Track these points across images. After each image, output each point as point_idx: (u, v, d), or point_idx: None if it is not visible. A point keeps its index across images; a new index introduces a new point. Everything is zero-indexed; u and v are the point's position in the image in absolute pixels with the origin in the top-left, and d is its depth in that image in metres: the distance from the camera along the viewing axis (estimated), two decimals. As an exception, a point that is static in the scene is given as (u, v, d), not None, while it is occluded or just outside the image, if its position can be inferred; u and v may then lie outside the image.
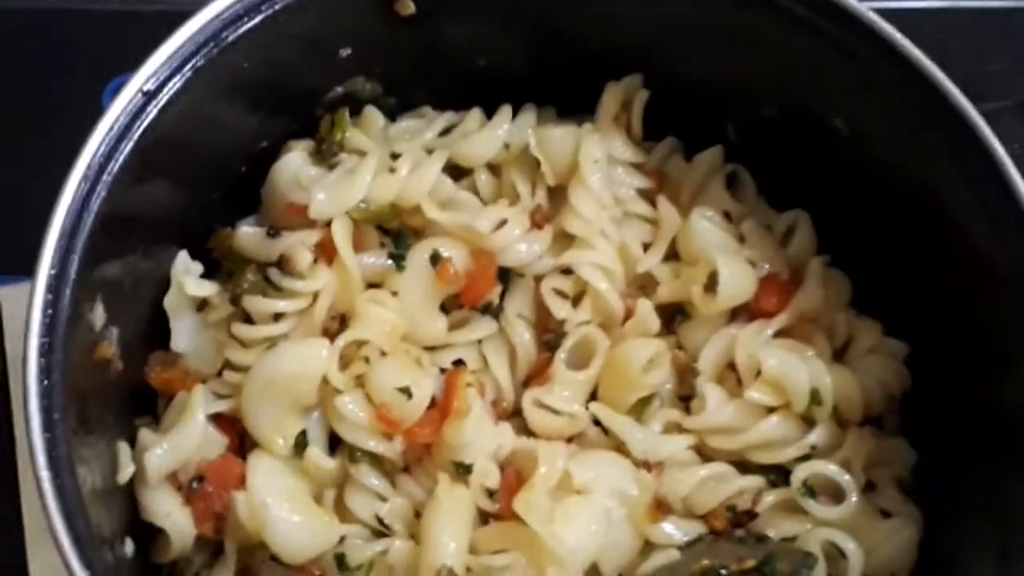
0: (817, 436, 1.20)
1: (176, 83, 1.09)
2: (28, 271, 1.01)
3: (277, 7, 1.13)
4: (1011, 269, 1.05)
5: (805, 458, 1.20)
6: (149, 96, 1.07)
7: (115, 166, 1.05)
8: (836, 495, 1.19)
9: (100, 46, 1.66)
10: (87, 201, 1.03)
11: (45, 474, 0.94)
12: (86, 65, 1.63)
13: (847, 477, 1.18)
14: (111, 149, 1.05)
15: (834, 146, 1.23)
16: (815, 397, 1.19)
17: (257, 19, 1.12)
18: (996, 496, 1.06)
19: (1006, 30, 1.76)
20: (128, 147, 1.05)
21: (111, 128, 1.05)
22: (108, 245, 1.06)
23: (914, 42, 1.12)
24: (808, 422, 1.22)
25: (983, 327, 1.11)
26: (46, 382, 0.97)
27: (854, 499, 1.17)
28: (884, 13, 1.13)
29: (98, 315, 1.08)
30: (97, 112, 1.06)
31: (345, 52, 1.24)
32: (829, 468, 1.18)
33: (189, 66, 1.09)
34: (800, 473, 1.18)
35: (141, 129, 1.06)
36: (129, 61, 1.09)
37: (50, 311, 0.99)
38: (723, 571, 1.09)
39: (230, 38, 1.11)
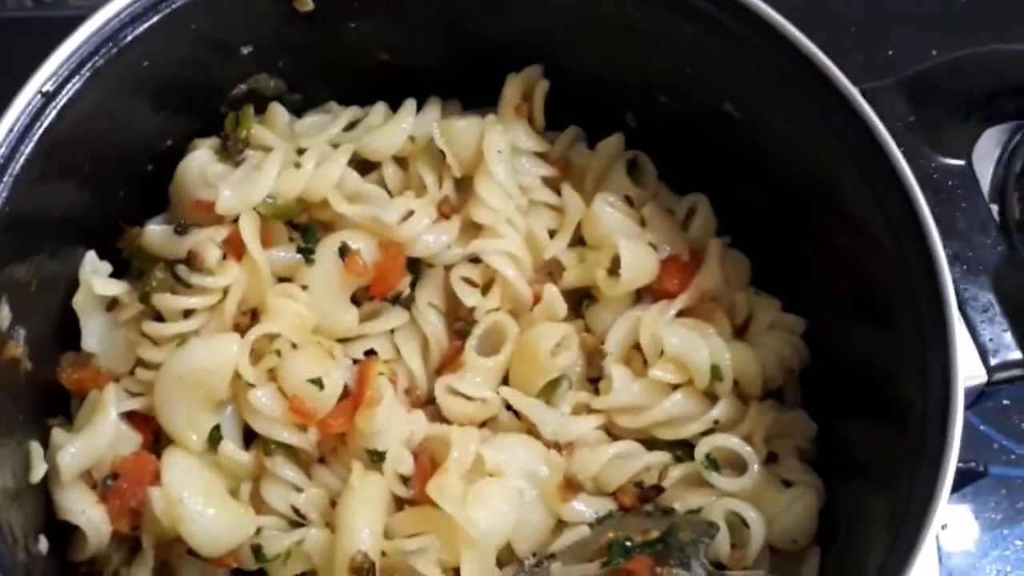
0: (719, 411, 1.24)
1: (76, 84, 1.09)
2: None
3: (175, 6, 1.14)
4: (892, 240, 1.09)
5: (708, 432, 1.23)
6: (48, 97, 1.07)
7: (16, 167, 1.05)
8: (739, 467, 1.22)
9: (11, 53, 1.64)
10: (-14, 203, 1.03)
11: (-49, 472, 0.94)
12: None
13: (748, 449, 1.21)
14: (11, 151, 1.05)
15: (728, 130, 1.26)
16: (716, 373, 1.23)
17: (156, 18, 1.13)
18: (885, 465, 1.10)
19: (896, 15, 1.81)
20: (29, 148, 1.06)
21: (11, 129, 1.05)
22: (12, 246, 1.07)
23: (809, 26, 1.16)
24: (711, 398, 1.25)
25: (871, 299, 1.15)
26: (-51, 385, 0.98)
27: (756, 470, 1.20)
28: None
29: (3, 315, 1.08)
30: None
31: (247, 50, 1.25)
32: (731, 441, 1.21)
33: (88, 66, 1.10)
34: (703, 447, 1.21)
35: (41, 130, 1.07)
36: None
37: (-49, 314, 1.00)
38: (628, 543, 1.12)
39: (128, 38, 1.12)
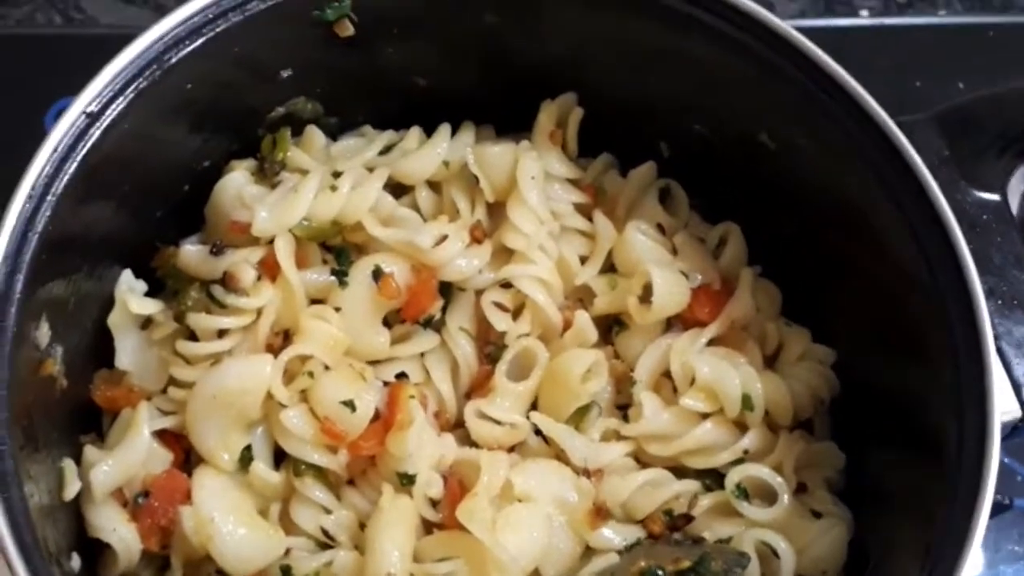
0: (749, 440, 1.24)
1: (119, 104, 1.10)
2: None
3: (218, 30, 1.15)
4: (928, 273, 1.09)
5: (738, 462, 1.23)
6: (93, 117, 1.09)
7: (59, 186, 1.06)
8: (769, 497, 1.22)
9: (42, 70, 1.67)
10: (31, 221, 1.04)
11: (-8, 489, 0.95)
12: (28, 89, 1.63)
13: (779, 479, 1.21)
14: (55, 170, 1.06)
15: (762, 160, 1.27)
16: (747, 403, 1.23)
17: (199, 42, 1.14)
18: (918, 497, 1.10)
19: (928, 46, 1.82)
20: (72, 168, 1.07)
21: (55, 149, 1.06)
22: (53, 265, 1.08)
23: (839, 59, 1.17)
24: (741, 427, 1.26)
25: (904, 332, 1.15)
26: (-9, 399, 0.99)
27: (786, 500, 1.20)
28: (811, 32, 1.18)
29: (43, 333, 1.09)
30: (40, 135, 1.08)
31: (286, 73, 1.26)
32: (762, 471, 1.22)
33: (132, 88, 1.11)
34: (734, 476, 1.21)
35: (85, 150, 1.08)
36: (71, 85, 1.10)
37: (-5, 330, 1.01)
38: (659, 572, 1.12)
39: (172, 60, 1.13)
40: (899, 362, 1.18)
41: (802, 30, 1.17)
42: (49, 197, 1.05)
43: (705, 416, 1.25)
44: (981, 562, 1.53)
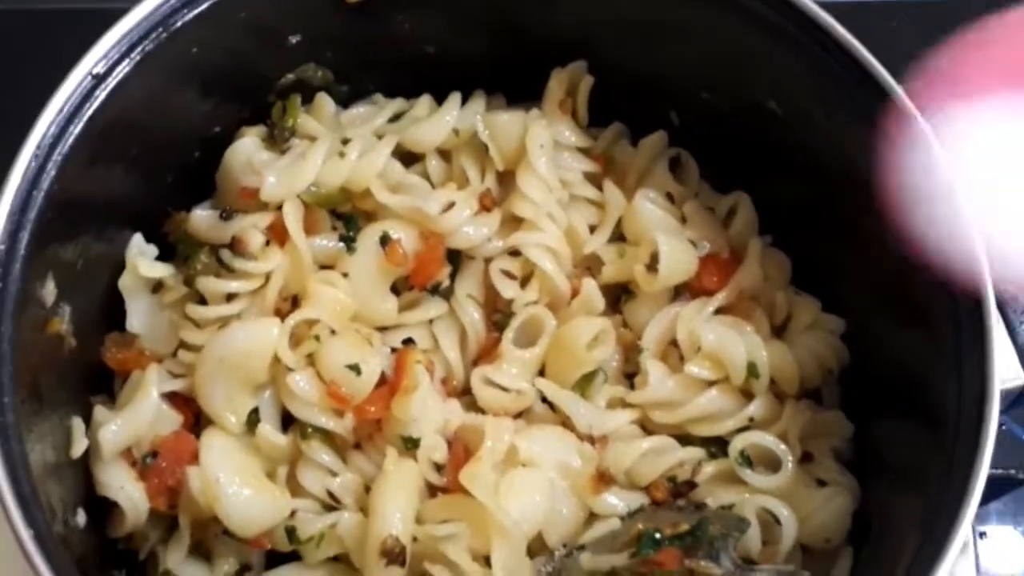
0: (755, 408, 1.23)
1: (125, 67, 1.11)
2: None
3: (224, -7, 1.16)
4: (935, 243, 1.08)
5: (743, 430, 1.23)
6: (98, 79, 1.09)
7: (65, 146, 1.07)
8: (773, 465, 1.22)
9: (47, 44, 1.67)
10: (37, 180, 1.05)
11: (-8, 439, 0.96)
12: (34, 62, 1.64)
13: (783, 447, 1.21)
14: (61, 130, 1.07)
15: (772, 129, 1.26)
16: (752, 370, 1.23)
17: (205, 5, 1.15)
18: (918, 465, 1.09)
19: (939, 19, 1.79)
20: (78, 128, 1.08)
21: (61, 109, 1.07)
22: (59, 225, 1.09)
23: (851, 31, 1.16)
24: (746, 395, 1.25)
25: (910, 299, 1.14)
26: (-7, 352, 1.00)
27: (790, 468, 1.20)
28: (823, 4, 1.17)
29: (49, 291, 1.10)
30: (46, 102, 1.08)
31: (295, 39, 1.26)
32: (765, 438, 1.21)
33: (138, 50, 1.12)
34: (737, 443, 1.21)
35: (91, 111, 1.09)
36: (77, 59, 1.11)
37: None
38: (657, 535, 1.12)
39: (179, 23, 1.14)
40: (905, 330, 1.17)
41: (815, 1, 1.16)
42: (55, 157, 1.06)
43: (711, 384, 1.25)
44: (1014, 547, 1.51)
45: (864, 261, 1.23)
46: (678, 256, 1.26)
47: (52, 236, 1.08)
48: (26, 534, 0.93)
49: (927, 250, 1.09)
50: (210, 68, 1.21)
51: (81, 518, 1.13)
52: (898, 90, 1.12)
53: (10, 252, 1.03)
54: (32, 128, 1.05)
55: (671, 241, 1.26)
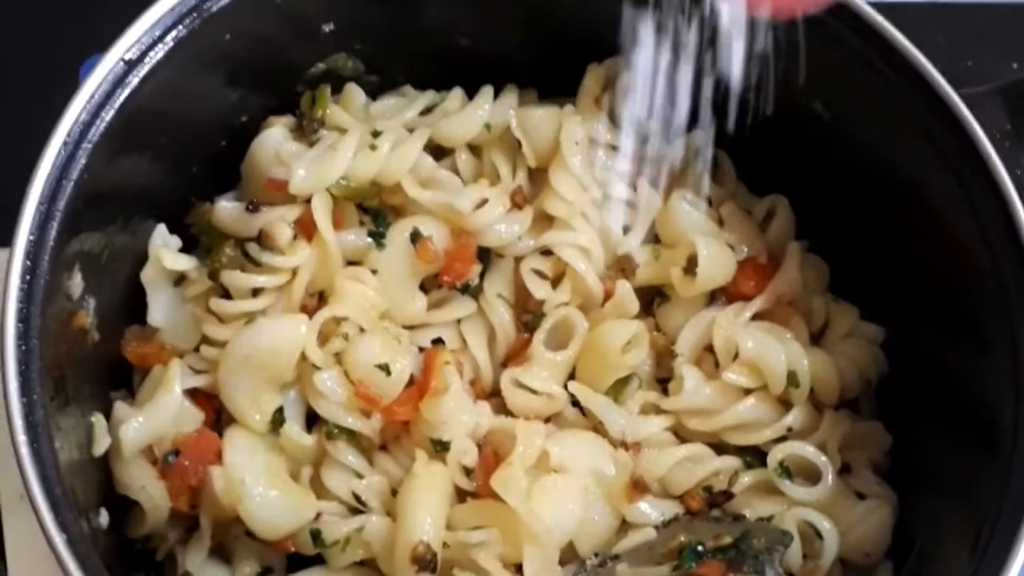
0: (794, 418, 1.21)
1: (157, 53, 1.08)
2: (7, 242, 1.01)
3: (260, -21, 1.13)
4: (989, 256, 1.06)
5: (782, 440, 1.20)
6: (130, 65, 1.07)
7: (95, 134, 1.04)
8: (812, 477, 1.19)
9: (76, 24, 1.64)
10: (66, 169, 1.02)
11: (22, 438, 0.94)
12: (62, 43, 1.61)
13: (823, 459, 1.18)
14: (92, 117, 1.04)
15: (815, 131, 1.24)
16: (792, 379, 1.20)
17: (239, -9, 1.12)
18: (968, 482, 1.07)
19: (983, 25, 1.78)
20: (109, 116, 1.05)
21: (92, 96, 1.04)
22: (87, 215, 1.06)
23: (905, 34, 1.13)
24: (785, 404, 1.22)
25: (959, 313, 1.12)
26: (23, 347, 0.97)
27: (830, 480, 1.17)
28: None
29: (76, 284, 1.08)
30: (74, 88, 1.05)
31: (327, 28, 1.23)
32: (806, 449, 1.19)
33: (171, 36, 1.09)
34: (777, 454, 1.19)
35: (122, 98, 1.06)
36: (105, 39, 1.08)
37: (28, 277, 0.99)
38: (699, 547, 1.09)
39: (212, 9, 1.11)
40: (952, 343, 1.16)
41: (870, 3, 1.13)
42: (85, 144, 1.03)
43: (748, 392, 1.22)
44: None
45: (906, 271, 1.21)
46: (717, 260, 1.23)
47: (81, 226, 1.05)
48: (59, 539, 0.90)
49: (979, 262, 1.07)
50: (241, 55, 1.19)
51: (104, 518, 1.11)
52: (951, 93, 1.10)
53: (39, 243, 1.00)
54: (62, 115, 1.02)
55: (710, 244, 1.23)
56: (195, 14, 1.10)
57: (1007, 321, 1.03)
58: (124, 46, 1.06)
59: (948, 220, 1.12)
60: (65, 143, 1.02)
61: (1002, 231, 1.06)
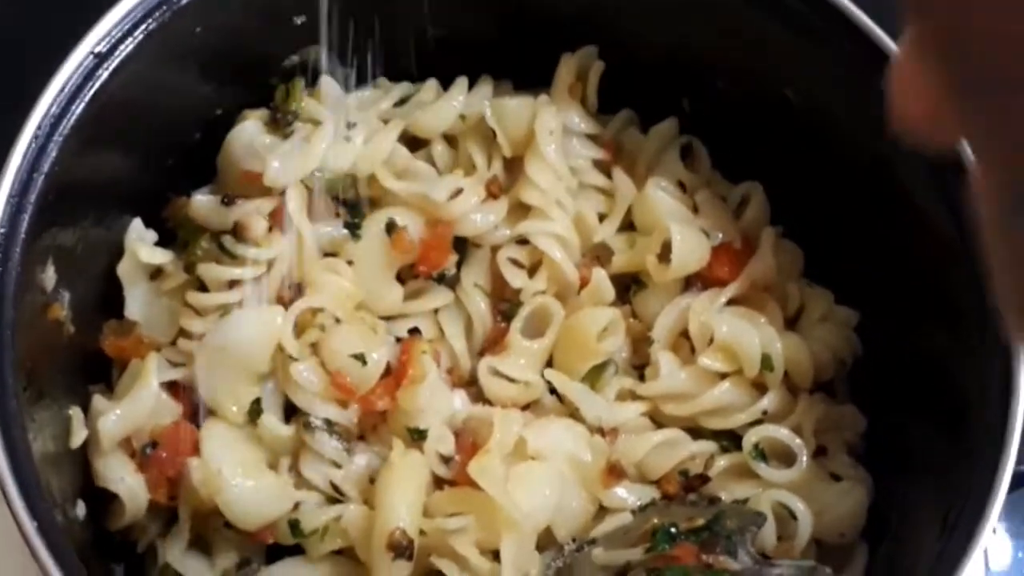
0: (768, 401, 1.21)
1: (128, 46, 1.08)
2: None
3: (229, -29, 1.13)
4: (960, 237, 1.06)
5: (757, 423, 1.21)
6: (101, 58, 1.06)
7: (66, 128, 1.04)
8: (787, 459, 1.20)
9: (46, 18, 1.64)
10: (38, 161, 1.02)
11: (-7, 428, 0.93)
12: (34, 37, 1.61)
13: (798, 441, 1.19)
14: (62, 110, 1.04)
15: (786, 118, 1.24)
16: (766, 363, 1.21)
17: (210, -18, 1.12)
18: (938, 461, 1.08)
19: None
20: (80, 108, 1.05)
21: (62, 89, 1.04)
22: (60, 208, 1.06)
23: (878, 23, 1.13)
24: (760, 388, 1.23)
25: (933, 296, 1.12)
26: (-6, 338, 0.97)
27: (804, 462, 1.18)
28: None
29: (49, 276, 1.07)
30: (45, 82, 1.05)
31: (299, 20, 1.23)
32: (780, 432, 1.19)
33: (141, 29, 1.08)
34: (752, 437, 1.19)
35: (92, 91, 1.06)
36: (76, 33, 1.08)
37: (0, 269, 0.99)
38: (673, 529, 1.09)
39: (182, 2, 1.10)
40: (924, 324, 1.16)
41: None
42: (56, 138, 1.03)
43: (723, 376, 1.22)
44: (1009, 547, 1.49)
45: (879, 254, 1.21)
46: (691, 246, 1.24)
47: (52, 220, 1.05)
48: (30, 526, 0.90)
49: (949, 243, 1.07)
50: (213, 48, 1.18)
51: (81, 510, 1.11)
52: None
53: (10, 236, 1.00)
54: (33, 108, 1.02)
55: (684, 230, 1.24)
56: (165, 7, 1.09)
57: (979, 303, 1.03)
58: (94, 39, 1.06)
59: (920, 202, 1.12)
60: (35, 136, 1.02)
61: (973, 212, 1.06)
